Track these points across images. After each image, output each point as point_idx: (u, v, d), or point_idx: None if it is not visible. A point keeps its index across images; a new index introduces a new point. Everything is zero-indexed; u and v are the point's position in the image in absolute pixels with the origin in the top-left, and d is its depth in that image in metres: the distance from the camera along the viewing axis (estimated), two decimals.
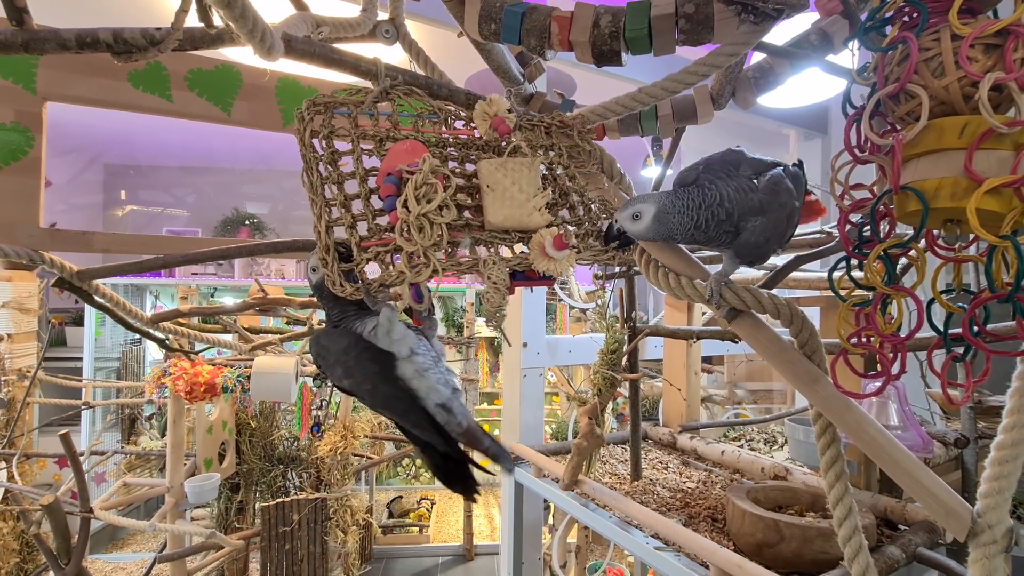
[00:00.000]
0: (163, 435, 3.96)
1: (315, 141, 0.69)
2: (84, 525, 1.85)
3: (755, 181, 0.69)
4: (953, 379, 0.55)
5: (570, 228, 0.79)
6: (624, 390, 1.48)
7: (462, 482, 0.76)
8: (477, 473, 0.76)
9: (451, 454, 0.73)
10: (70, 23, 0.68)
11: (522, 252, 0.75)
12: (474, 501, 0.85)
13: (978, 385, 0.55)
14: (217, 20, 0.68)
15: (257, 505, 2.96)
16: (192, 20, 0.68)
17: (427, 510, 4.37)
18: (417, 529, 4.14)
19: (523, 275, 0.75)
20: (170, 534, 2.26)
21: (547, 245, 0.72)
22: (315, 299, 0.73)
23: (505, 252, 0.75)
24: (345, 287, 0.66)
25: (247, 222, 5.37)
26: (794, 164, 0.73)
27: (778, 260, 1.10)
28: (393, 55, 0.95)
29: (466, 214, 0.73)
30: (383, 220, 0.70)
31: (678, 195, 0.69)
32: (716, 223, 0.68)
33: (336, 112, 0.70)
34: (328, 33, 0.84)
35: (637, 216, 0.69)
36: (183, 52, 0.72)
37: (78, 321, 4.28)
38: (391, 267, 0.68)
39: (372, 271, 0.70)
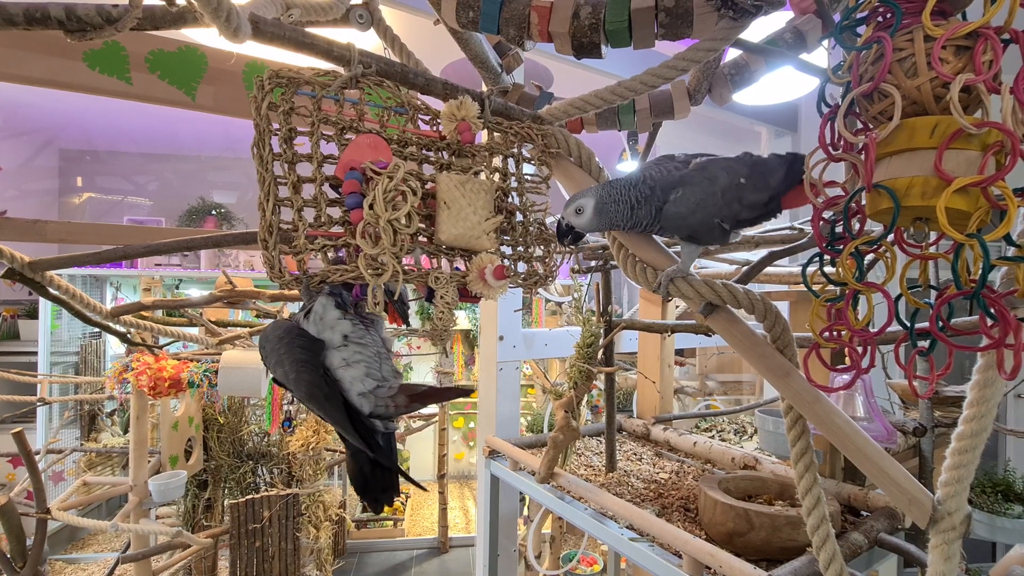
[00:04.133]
0: (125, 432, 3.83)
1: (271, 114, 0.67)
2: (40, 526, 1.77)
3: (688, 163, 0.73)
4: (913, 371, 0.57)
5: (506, 250, 0.81)
6: (599, 382, 1.49)
7: (380, 492, 0.74)
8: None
9: (380, 462, 0.71)
10: None
11: (457, 268, 0.76)
12: (377, 513, 0.84)
13: (941, 378, 0.56)
14: None
15: (226, 502, 2.89)
16: None
17: (401, 503, 4.34)
18: (392, 523, 4.12)
19: (459, 292, 0.76)
20: (134, 534, 2.19)
21: (488, 272, 0.73)
22: (285, 292, 0.71)
23: (445, 265, 0.76)
24: (283, 273, 0.64)
25: (213, 211, 5.18)
26: (789, 154, 0.72)
27: (751, 255, 1.12)
28: (367, 41, 0.92)
29: (420, 225, 0.72)
30: (334, 212, 0.68)
31: (612, 184, 0.73)
32: (644, 200, 0.72)
33: (300, 92, 0.68)
34: (299, 16, 0.81)
35: (580, 211, 0.73)
36: (143, 32, 0.68)
37: (32, 314, 4.07)
38: (349, 260, 0.67)
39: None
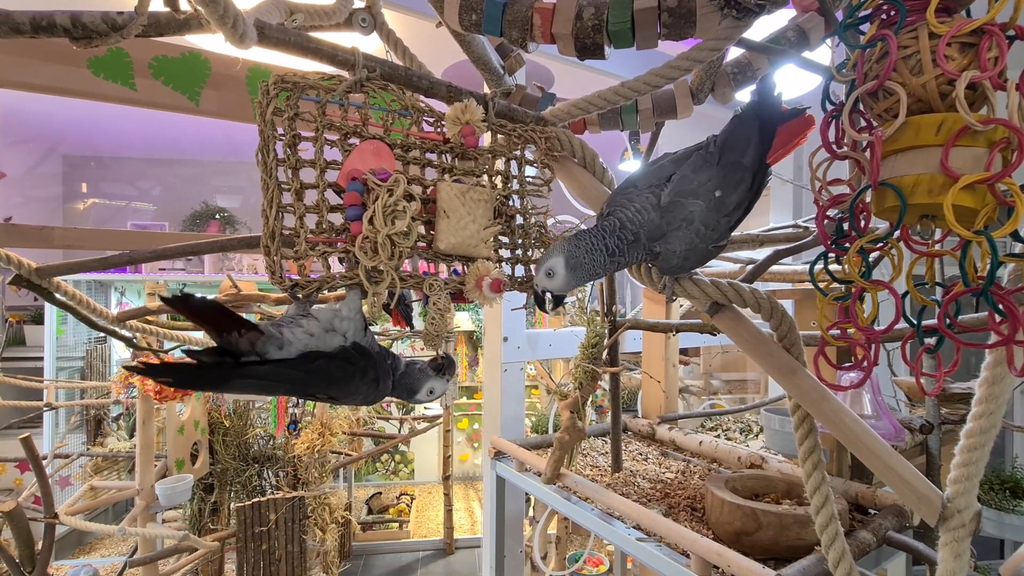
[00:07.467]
0: (131, 436, 3.84)
1: (276, 119, 0.67)
2: (48, 531, 1.78)
3: (659, 195, 0.68)
4: (920, 368, 0.57)
5: (505, 254, 0.81)
6: (604, 383, 1.49)
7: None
8: None
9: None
10: (24, 4, 0.64)
11: (455, 272, 0.76)
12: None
13: (948, 375, 0.56)
14: (184, 4, 0.65)
15: (232, 505, 2.90)
16: (157, 4, 0.65)
17: (407, 505, 4.35)
18: (397, 525, 4.12)
19: (454, 295, 0.76)
20: (141, 537, 2.20)
21: (485, 284, 0.73)
22: (290, 296, 0.71)
23: (443, 269, 0.76)
24: (285, 278, 0.64)
25: (217, 216, 5.21)
26: (750, 107, 0.67)
27: (756, 254, 1.12)
28: (370, 45, 0.92)
29: (420, 230, 0.72)
30: (335, 218, 0.69)
31: (579, 238, 0.68)
32: (628, 246, 0.68)
33: (304, 98, 0.68)
34: (302, 21, 0.81)
35: (551, 273, 0.68)
36: (147, 38, 0.68)
37: (38, 319, 4.10)
38: (349, 267, 0.67)
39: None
